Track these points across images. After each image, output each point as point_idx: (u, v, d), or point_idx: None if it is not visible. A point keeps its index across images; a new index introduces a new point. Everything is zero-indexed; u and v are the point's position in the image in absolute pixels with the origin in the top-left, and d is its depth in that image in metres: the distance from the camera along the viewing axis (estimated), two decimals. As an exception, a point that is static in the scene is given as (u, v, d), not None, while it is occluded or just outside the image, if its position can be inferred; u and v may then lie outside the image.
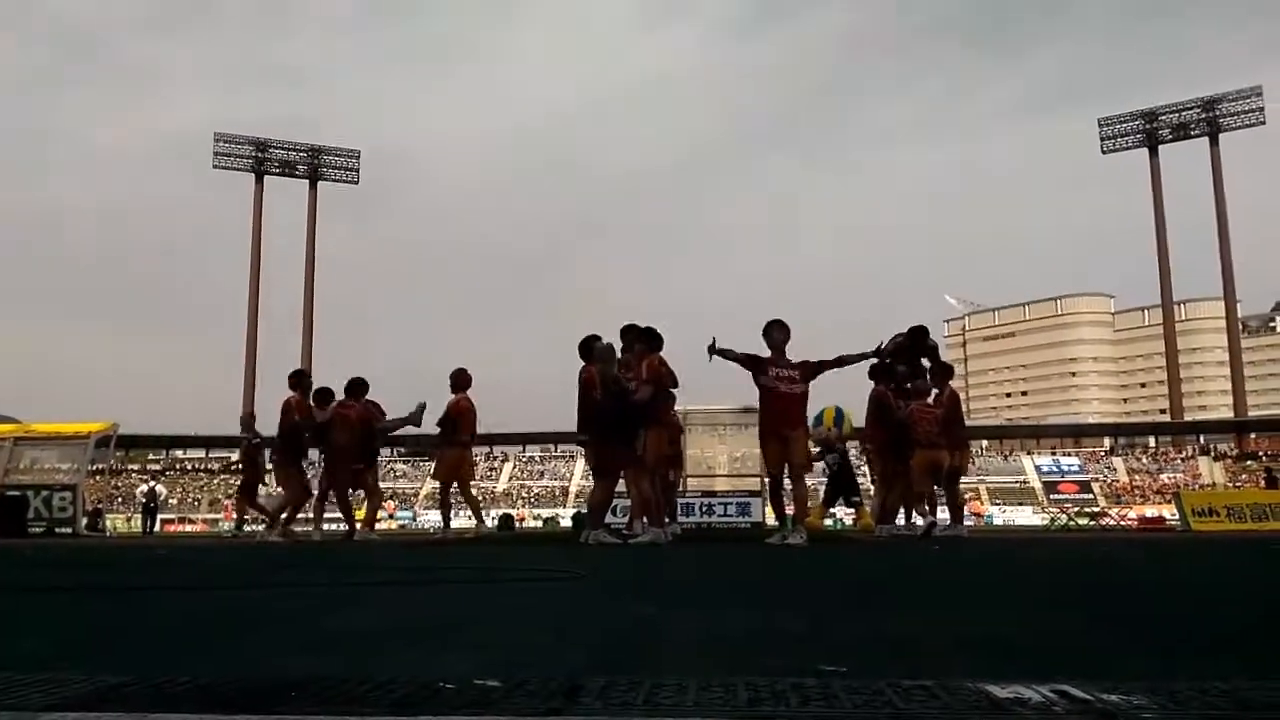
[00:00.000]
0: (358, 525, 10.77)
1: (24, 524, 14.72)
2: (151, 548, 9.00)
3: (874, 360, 10.34)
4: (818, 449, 13.31)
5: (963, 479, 10.84)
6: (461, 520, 13.23)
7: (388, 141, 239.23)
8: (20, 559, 6.09)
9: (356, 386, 10.57)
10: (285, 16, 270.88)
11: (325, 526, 10.72)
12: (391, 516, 46.62)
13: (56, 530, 15.11)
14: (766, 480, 9.37)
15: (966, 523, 11.88)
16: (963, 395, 11.49)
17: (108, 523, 26.82)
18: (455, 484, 10.53)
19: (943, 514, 10.93)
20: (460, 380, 10.36)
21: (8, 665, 1.40)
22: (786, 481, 7.51)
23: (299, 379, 10.85)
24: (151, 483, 29.80)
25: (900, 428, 10.03)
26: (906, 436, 9.94)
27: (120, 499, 49.22)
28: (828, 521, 15.02)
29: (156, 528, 23.70)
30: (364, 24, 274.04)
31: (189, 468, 63.52)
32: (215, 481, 59.94)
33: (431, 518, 53.51)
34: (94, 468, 20.10)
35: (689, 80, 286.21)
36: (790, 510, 7.50)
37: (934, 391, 10.34)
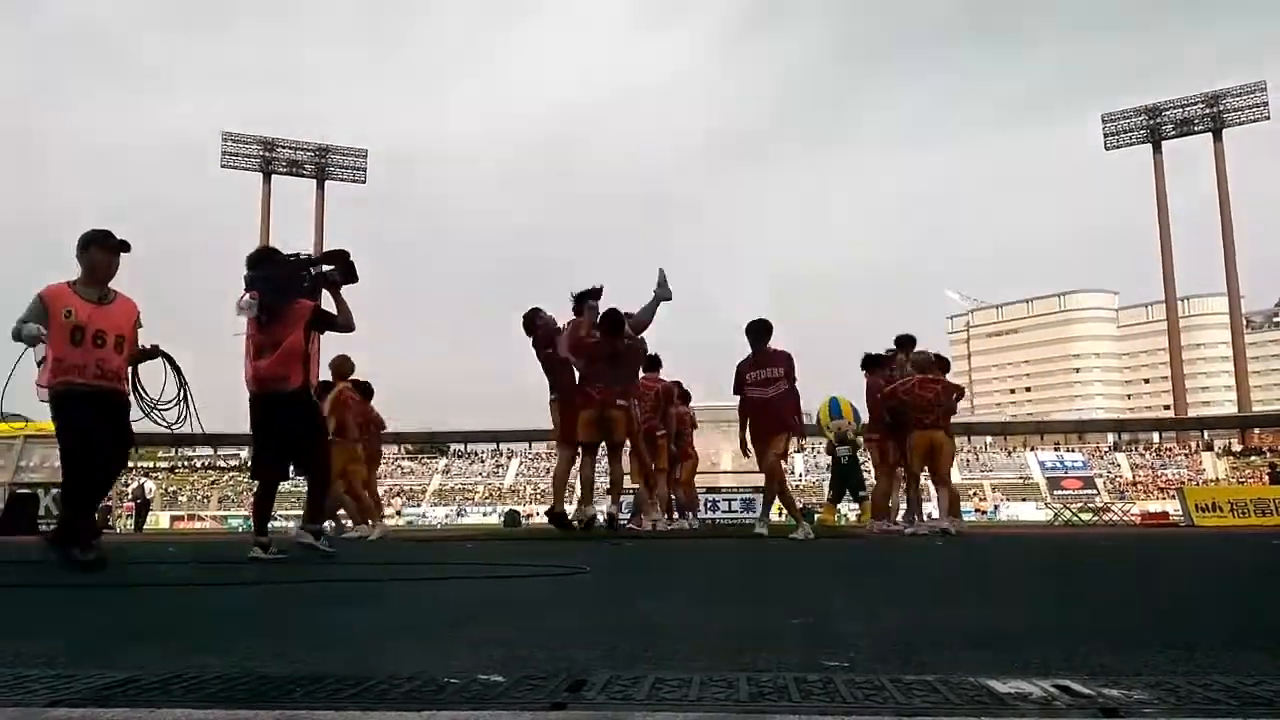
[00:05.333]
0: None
1: (35, 521, 14.86)
2: (163, 545, 9.02)
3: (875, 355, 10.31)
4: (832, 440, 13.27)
5: (966, 474, 10.76)
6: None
7: (396, 141, 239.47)
8: (31, 556, 6.10)
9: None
10: (293, 17, 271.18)
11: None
12: (399, 514, 46.61)
13: None
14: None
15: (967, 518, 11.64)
16: (967, 391, 11.36)
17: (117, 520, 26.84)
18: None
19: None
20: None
21: (16, 662, 1.41)
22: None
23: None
24: (141, 479, 29.68)
25: (897, 414, 9.22)
26: (904, 414, 9.08)
27: (129, 497, 49.37)
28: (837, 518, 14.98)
29: (146, 524, 23.50)
30: (372, 24, 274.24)
31: (198, 465, 63.62)
32: (225, 478, 60.09)
33: (438, 514, 53.51)
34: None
35: (694, 80, 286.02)
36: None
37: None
